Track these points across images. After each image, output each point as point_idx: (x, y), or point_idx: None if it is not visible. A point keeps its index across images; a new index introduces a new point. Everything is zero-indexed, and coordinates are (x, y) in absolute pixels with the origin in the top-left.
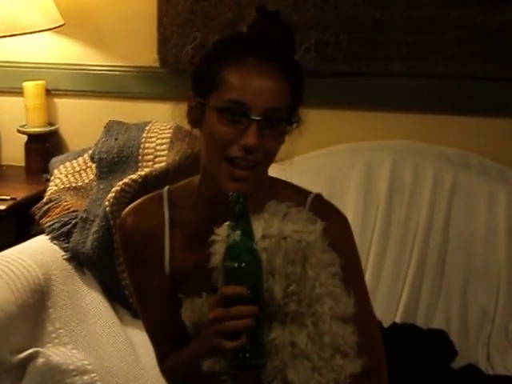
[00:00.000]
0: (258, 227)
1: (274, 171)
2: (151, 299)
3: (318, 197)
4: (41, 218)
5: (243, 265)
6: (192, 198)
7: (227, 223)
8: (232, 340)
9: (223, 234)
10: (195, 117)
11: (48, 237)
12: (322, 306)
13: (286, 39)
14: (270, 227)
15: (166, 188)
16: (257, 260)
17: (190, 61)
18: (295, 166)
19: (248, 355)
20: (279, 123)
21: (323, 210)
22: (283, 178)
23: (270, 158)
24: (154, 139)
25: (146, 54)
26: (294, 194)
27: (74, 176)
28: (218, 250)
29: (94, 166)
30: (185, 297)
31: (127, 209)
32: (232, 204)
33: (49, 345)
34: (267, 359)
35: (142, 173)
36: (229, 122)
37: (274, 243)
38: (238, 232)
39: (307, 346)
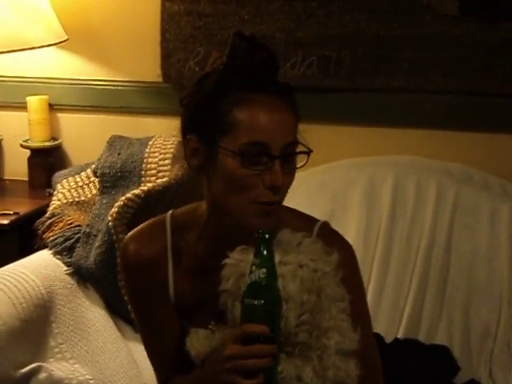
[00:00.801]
0: (275, 253)
1: None
2: (154, 327)
3: (325, 225)
4: (44, 232)
5: (267, 304)
6: (197, 227)
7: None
8: (247, 377)
9: (236, 257)
10: (199, 160)
11: (51, 251)
12: (328, 340)
13: (271, 62)
14: (286, 254)
15: (170, 213)
16: (279, 300)
17: (180, 101)
18: (297, 182)
19: None
20: (295, 157)
21: (330, 238)
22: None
23: (287, 191)
24: (156, 154)
25: (149, 69)
26: (301, 223)
27: (76, 191)
28: (230, 275)
29: (96, 180)
30: (190, 327)
31: (129, 234)
32: (259, 241)
33: (51, 359)
34: None
35: (145, 188)
36: (250, 165)
37: (291, 270)
38: (264, 270)
39: (312, 381)
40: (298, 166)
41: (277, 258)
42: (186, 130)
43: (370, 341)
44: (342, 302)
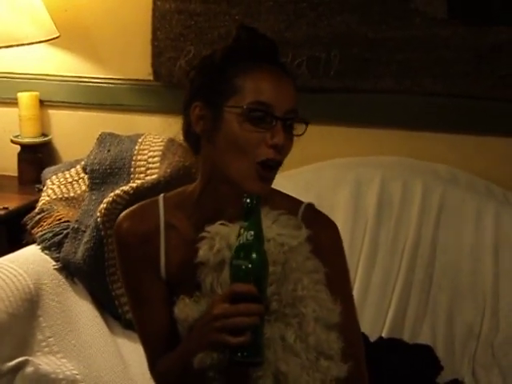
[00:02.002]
0: None
1: None
2: (145, 302)
3: (310, 206)
4: (32, 227)
5: (254, 264)
6: (188, 204)
7: (224, 223)
8: (235, 336)
9: (212, 231)
10: (205, 125)
11: (39, 246)
12: (305, 308)
13: (273, 46)
14: None
15: (162, 195)
16: (266, 261)
17: (186, 74)
18: (285, 180)
19: (249, 352)
20: (294, 124)
21: (314, 217)
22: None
23: (284, 158)
24: (146, 151)
25: (140, 67)
26: (284, 202)
27: (66, 187)
28: (204, 247)
29: (86, 177)
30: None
31: (123, 213)
32: (246, 205)
33: (38, 353)
34: (264, 357)
35: (134, 184)
36: (254, 123)
37: None
38: (251, 232)
39: (296, 343)
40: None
41: None
42: (190, 101)
43: (352, 320)
44: (315, 273)
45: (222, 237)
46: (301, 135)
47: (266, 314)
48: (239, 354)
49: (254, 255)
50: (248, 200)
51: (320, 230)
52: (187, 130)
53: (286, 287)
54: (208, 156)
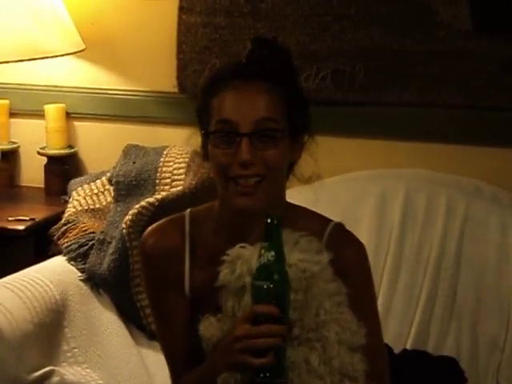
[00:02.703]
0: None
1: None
2: (170, 320)
3: (338, 225)
4: (59, 238)
5: (275, 285)
6: (213, 221)
7: (245, 246)
8: (258, 357)
9: (232, 254)
10: (204, 151)
11: (65, 257)
12: (328, 332)
13: (280, 60)
14: None
15: (189, 210)
16: (287, 282)
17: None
18: (309, 193)
19: (271, 373)
20: (273, 132)
21: (342, 237)
22: (303, 205)
23: (274, 171)
24: (171, 163)
25: (166, 80)
26: (312, 222)
27: (92, 198)
28: (224, 271)
29: (111, 188)
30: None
31: (149, 229)
32: (267, 225)
33: (64, 364)
34: (287, 378)
35: (159, 196)
36: (222, 144)
37: None
38: (272, 253)
39: (320, 367)
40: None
41: None
42: None
43: (377, 339)
44: (338, 296)
45: (243, 261)
46: (305, 144)
47: (289, 339)
48: (261, 375)
49: (275, 276)
50: (269, 220)
51: (347, 250)
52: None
53: (308, 313)
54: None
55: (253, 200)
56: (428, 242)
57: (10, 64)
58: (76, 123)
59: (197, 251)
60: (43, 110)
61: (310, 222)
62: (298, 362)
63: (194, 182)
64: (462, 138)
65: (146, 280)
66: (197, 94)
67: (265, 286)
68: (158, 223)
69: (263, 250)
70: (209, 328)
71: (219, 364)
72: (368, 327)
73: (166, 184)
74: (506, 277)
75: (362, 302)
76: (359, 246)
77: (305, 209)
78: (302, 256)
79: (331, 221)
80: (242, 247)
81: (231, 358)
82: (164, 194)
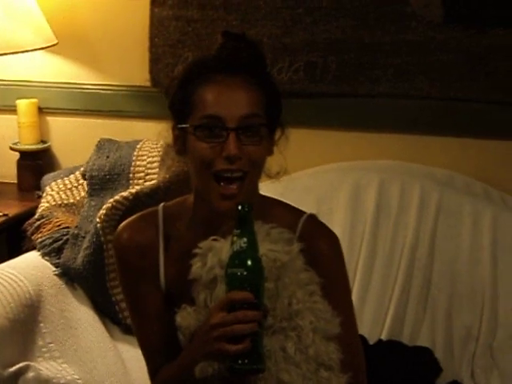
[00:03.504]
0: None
1: (264, 189)
2: (145, 314)
3: (312, 217)
4: (32, 234)
5: (249, 272)
6: (186, 215)
7: (217, 238)
8: (235, 344)
9: (205, 247)
10: (179, 145)
11: (39, 252)
12: (302, 320)
13: (254, 54)
14: None
15: (162, 205)
16: (261, 268)
17: (165, 93)
18: (284, 185)
19: (249, 360)
20: (258, 128)
21: (315, 229)
22: (275, 197)
23: (256, 167)
24: (145, 157)
25: (138, 74)
26: (285, 214)
27: (65, 193)
28: (196, 264)
29: (85, 183)
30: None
31: (122, 224)
32: (238, 212)
33: (39, 359)
34: (265, 365)
35: (133, 190)
36: (207, 138)
37: None
38: (244, 239)
39: (296, 355)
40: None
41: None
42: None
43: (352, 330)
44: (310, 285)
45: (214, 253)
46: (278, 140)
47: (264, 327)
48: (239, 362)
49: (248, 262)
50: (239, 207)
51: (320, 241)
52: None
53: (280, 302)
54: (191, 174)
55: (234, 202)
56: (402, 232)
57: None
58: (48, 118)
59: (171, 245)
60: (15, 105)
61: (283, 213)
62: (274, 351)
63: (167, 176)
64: (434, 128)
65: (120, 275)
66: (169, 88)
67: (238, 273)
68: (131, 218)
69: (235, 238)
70: (186, 318)
71: (196, 354)
72: (342, 317)
73: (140, 178)
74: (480, 267)
75: (335, 292)
76: (332, 237)
77: (278, 201)
78: (273, 246)
79: (304, 213)
80: (213, 240)
81: (208, 347)
82: (138, 188)
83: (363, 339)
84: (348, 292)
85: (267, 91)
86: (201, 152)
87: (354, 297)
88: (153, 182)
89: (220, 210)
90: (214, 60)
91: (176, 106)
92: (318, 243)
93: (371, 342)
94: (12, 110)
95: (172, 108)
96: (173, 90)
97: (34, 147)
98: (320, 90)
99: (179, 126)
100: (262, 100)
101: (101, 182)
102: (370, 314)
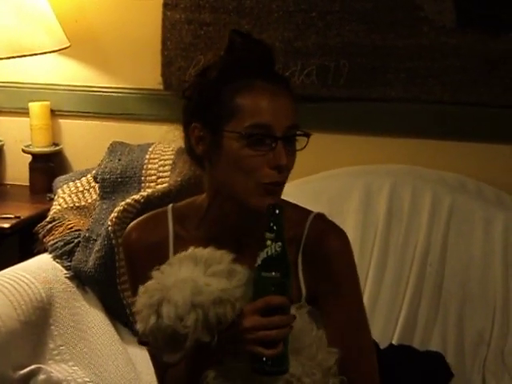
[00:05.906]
0: None
1: None
2: None
3: (320, 215)
4: (44, 236)
5: (284, 276)
6: (196, 216)
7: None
8: (267, 348)
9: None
10: (205, 146)
11: (51, 255)
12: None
13: (268, 54)
14: None
15: (171, 205)
16: (291, 271)
17: (182, 93)
18: (294, 189)
19: (280, 362)
20: (299, 138)
21: (323, 227)
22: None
23: (288, 175)
24: (156, 160)
25: (150, 77)
26: (293, 212)
27: (77, 196)
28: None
29: (97, 186)
30: None
31: (132, 224)
32: (270, 216)
33: (50, 361)
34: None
35: (145, 193)
36: (255, 146)
37: None
38: (279, 243)
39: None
40: (297, 148)
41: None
42: (189, 120)
43: (363, 328)
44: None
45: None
46: (302, 149)
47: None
48: (270, 363)
49: (282, 266)
50: (277, 211)
51: (329, 238)
52: (189, 148)
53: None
54: (212, 174)
55: (275, 200)
56: (413, 237)
57: None
58: (61, 121)
59: (180, 245)
60: (28, 108)
61: (291, 212)
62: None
63: (179, 179)
64: (446, 133)
65: (129, 274)
66: (190, 89)
67: (274, 277)
68: (140, 218)
69: (269, 241)
70: None
71: (216, 354)
72: (353, 319)
73: (152, 181)
74: (491, 271)
75: (347, 289)
76: (341, 234)
77: (286, 201)
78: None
79: (311, 212)
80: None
81: (239, 348)
82: (149, 191)
83: (374, 344)
84: (359, 288)
85: (295, 100)
86: (247, 159)
87: (366, 301)
88: (164, 185)
89: (261, 207)
90: (246, 64)
91: (206, 108)
92: (327, 240)
93: (382, 347)
94: (24, 112)
95: (198, 109)
96: (199, 91)
97: (46, 150)
98: (332, 94)
99: (224, 130)
100: (296, 109)
101: (112, 184)
102: (381, 319)
